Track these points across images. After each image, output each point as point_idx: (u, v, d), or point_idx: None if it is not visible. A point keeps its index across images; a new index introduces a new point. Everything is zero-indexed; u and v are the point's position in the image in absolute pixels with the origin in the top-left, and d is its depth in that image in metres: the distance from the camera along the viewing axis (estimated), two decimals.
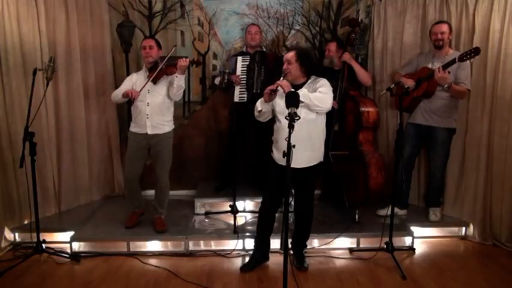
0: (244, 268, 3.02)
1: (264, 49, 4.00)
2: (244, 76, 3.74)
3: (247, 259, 3.15)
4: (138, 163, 3.38)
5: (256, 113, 2.86)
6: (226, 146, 4.05)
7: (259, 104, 2.80)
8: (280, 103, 2.69)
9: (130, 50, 4.16)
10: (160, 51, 3.34)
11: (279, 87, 2.67)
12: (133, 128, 3.35)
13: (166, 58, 3.15)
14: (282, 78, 2.71)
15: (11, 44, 3.29)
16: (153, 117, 3.24)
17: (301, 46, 4.06)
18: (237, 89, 3.78)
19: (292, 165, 2.63)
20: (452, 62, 3.14)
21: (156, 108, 3.24)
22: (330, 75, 3.82)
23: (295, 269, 2.96)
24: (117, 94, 3.27)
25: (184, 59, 3.07)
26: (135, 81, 3.30)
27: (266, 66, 3.73)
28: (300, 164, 2.74)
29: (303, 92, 2.61)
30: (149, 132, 3.26)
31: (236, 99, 3.77)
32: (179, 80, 3.13)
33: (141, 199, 3.58)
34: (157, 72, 3.15)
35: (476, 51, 3.00)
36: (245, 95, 3.74)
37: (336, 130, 3.71)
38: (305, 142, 2.71)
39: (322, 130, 2.84)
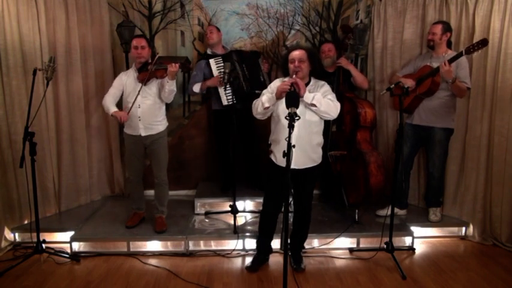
0: (249, 269, 3.01)
1: (226, 47, 3.94)
2: (223, 77, 3.35)
3: (247, 259, 3.16)
4: (137, 163, 3.40)
5: (260, 110, 2.72)
6: (217, 150, 4.06)
7: (267, 101, 2.68)
8: (283, 102, 2.60)
9: (131, 50, 4.15)
10: (150, 50, 3.33)
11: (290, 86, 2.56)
12: (127, 130, 3.34)
13: (155, 60, 3.14)
14: (294, 76, 2.62)
15: (11, 44, 3.29)
16: (145, 118, 3.23)
17: (305, 46, 3.81)
18: (223, 93, 3.67)
19: (292, 166, 2.60)
20: (459, 55, 3.12)
21: (147, 110, 3.23)
22: (323, 77, 3.83)
23: (293, 270, 2.96)
24: (107, 107, 3.20)
25: (174, 64, 3.07)
26: (125, 82, 3.27)
27: (246, 63, 3.73)
28: (300, 165, 2.75)
29: (317, 96, 2.61)
30: (142, 134, 3.27)
31: (225, 102, 3.68)
32: (170, 85, 3.14)
33: (142, 202, 3.58)
34: (148, 76, 3.13)
35: (483, 42, 2.98)
36: (233, 97, 3.36)
37: (334, 131, 3.72)
38: (305, 143, 2.72)
39: (321, 132, 2.84)
